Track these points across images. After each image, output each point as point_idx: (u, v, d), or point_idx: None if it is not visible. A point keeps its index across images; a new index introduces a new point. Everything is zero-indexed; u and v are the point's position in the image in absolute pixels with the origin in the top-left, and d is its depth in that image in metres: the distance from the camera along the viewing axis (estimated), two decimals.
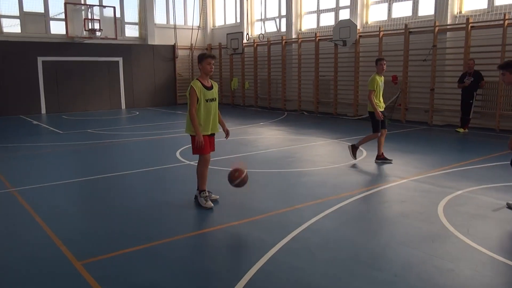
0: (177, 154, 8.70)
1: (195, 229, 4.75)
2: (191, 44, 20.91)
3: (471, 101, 11.28)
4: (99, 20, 17.79)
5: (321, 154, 8.79)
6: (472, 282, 3.44)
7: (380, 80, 7.69)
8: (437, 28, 12.35)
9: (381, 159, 7.78)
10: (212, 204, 5.36)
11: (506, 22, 10.88)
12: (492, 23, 11.37)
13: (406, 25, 13.11)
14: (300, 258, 3.94)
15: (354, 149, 7.93)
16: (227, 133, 5.69)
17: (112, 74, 18.71)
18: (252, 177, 7.09)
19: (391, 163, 7.71)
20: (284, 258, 3.94)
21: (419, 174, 6.91)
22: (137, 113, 17.30)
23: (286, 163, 7.96)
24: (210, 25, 21.90)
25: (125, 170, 7.49)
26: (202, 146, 5.26)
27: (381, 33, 13.72)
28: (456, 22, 12.36)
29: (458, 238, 4.32)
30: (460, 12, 12.51)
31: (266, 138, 10.86)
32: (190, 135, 5.40)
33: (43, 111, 17.15)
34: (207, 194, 5.43)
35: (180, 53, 20.62)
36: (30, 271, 3.77)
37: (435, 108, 12.76)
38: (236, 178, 5.19)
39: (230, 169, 5.35)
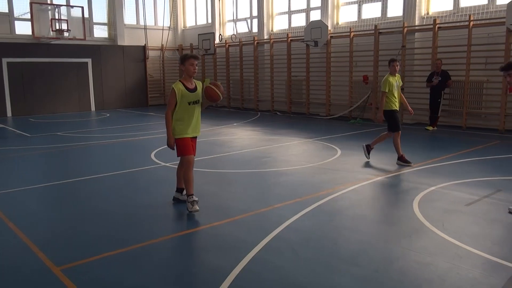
0: (152, 155, 8.60)
1: (176, 230, 4.71)
2: (162, 45, 20.71)
3: (439, 100, 11.61)
4: (66, 20, 17.39)
5: (296, 154, 8.87)
6: (450, 275, 3.55)
7: (394, 80, 7.63)
8: (405, 29, 12.66)
9: (368, 152, 7.93)
10: (198, 208, 5.16)
11: (471, 23, 11.25)
12: (458, 24, 11.75)
13: (375, 26, 13.38)
14: (282, 256, 3.97)
15: (403, 159, 7.56)
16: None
17: (81, 76, 18.30)
18: (229, 177, 7.12)
19: (368, 160, 7.90)
20: (267, 257, 3.96)
21: (393, 172, 7.07)
22: (108, 115, 16.99)
23: (262, 163, 7.99)
24: (181, 25, 21.73)
25: (100, 173, 7.34)
26: (173, 149, 5.21)
27: (352, 33, 13.96)
28: (424, 23, 12.70)
29: (434, 232, 4.45)
30: (427, 13, 12.87)
31: (241, 139, 10.87)
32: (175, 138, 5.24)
33: (9, 114, 16.62)
34: (194, 198, 5.22)
35: (151, 54, 20.39)
36: (6, 279, 3.65)
37: (405, 107, 13.03)
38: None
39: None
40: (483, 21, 11.35)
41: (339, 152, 8.74)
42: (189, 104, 5.14)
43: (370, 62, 13.56)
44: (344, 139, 10.32)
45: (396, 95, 7.65)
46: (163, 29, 20.62)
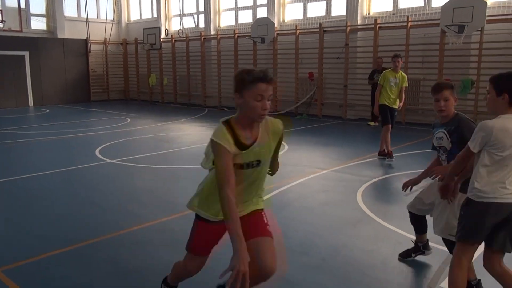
0: (97, 152, 8.34)
1: (125, 227, 4.62)
2: (105, 39, 20.06)
3: None
4: (1, 10, 16.40)
5: None
6: (392, 260, 3.77)
7: (393, 76, 7.46)
8: (348, 28, 13.08)
9: (382, 155, 7.68)
10: None
11: (409, 23, 11.84)
12: (397, 24, 12.32)
13: (320, 24, 13.73)
14: None
15: (383, 153, 7.66)
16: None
17: (17, 69, 17.33)
18: (178, 173, 7.07)
19: (392, 161, 7.49)
20: (218, 250, 3.99)
21: (337, 165, 7.32)
22: (47, 110, 16.25)
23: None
24: (124, 19, 21.16)
25: (41, 170, 7.04)
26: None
27: (298, 31, 14.23)
28: (366, 23, 13.19)
29: (376, 221, 4.68)
30: (369, 13, 13.37)
31: (189, 135, 10.80)
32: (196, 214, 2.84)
33: None
34: None
35: (93, 47, 19.68)
36: None
37: (348, 103, 13.52)
38: None
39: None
40: (420, 22, 11.97)
41: (286, 147, 8.91)
42: (241, 167, 2.54)
43: (315, 59, 13.90)
44: (290, 134, 10.52)
45: (391, 91, 7.48)
46: (106, 22, 19.97)
